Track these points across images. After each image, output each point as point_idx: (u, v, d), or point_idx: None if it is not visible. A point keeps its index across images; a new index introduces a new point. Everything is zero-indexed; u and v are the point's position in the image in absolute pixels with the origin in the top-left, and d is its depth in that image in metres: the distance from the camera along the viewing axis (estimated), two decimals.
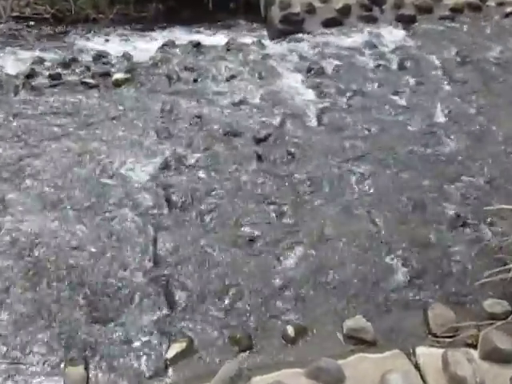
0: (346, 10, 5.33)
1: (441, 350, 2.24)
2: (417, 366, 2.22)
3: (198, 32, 5.39)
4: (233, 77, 4.52)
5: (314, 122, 3.93)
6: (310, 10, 5.26)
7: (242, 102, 4.15)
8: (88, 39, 5.21)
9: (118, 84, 4.37)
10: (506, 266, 2.54)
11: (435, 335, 2.39)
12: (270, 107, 4.08)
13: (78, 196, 3.16)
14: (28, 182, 3.26)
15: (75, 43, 5.10)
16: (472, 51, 4.80)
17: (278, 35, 5.20)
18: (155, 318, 2.47)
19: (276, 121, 3.92)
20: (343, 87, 4.35)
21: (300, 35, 5.10)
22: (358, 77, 4.49)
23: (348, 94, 4.26)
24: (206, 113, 3.98)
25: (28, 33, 5.25)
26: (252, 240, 2.88)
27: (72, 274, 2.65)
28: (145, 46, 5.06)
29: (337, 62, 4.69)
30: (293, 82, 4.43)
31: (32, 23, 5.41)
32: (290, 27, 5.19)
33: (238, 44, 5.03)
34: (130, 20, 5.58)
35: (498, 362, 2.19)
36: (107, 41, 5.22)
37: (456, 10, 5.41)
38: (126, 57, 4.86)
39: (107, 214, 3.03)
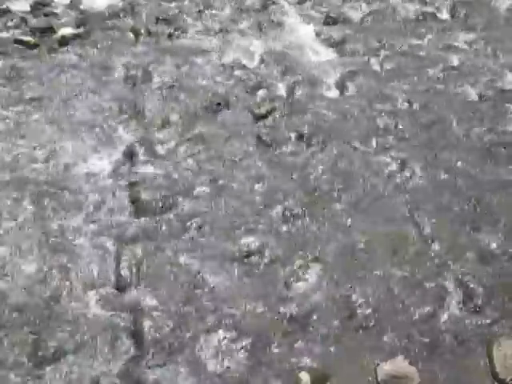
0: None
1: None
2: None
3: None
4: (222, 30, 4.50)
5: (334, 92, 3.92)
6: None
7: (235, 65, 4.14)
8: None
9: (64, 42, 4.36)
10: None
11: (503, 382, 2.40)
12: (273, 71, 4.08)
13: (10, 198, 3.15)
14: None
15: None
16: None
17: None
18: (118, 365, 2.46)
19: (282, 90, 3.91)
20: (374, 43, 4.33)
21: None
22: (394, 29, 4.45)
23: (381, 53, 4.24)
24: (185, 80, 3.98)
25: None
26: (251, 256, 2.88)
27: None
28: None
29: (366, 9, 4.67)
30: (305, 37, 4.42)
31: None
32: None
33: None
34: None
35: None
36: None
37: None
38: (76, 4, 4.84)
39: (52, 223, 3.02)
